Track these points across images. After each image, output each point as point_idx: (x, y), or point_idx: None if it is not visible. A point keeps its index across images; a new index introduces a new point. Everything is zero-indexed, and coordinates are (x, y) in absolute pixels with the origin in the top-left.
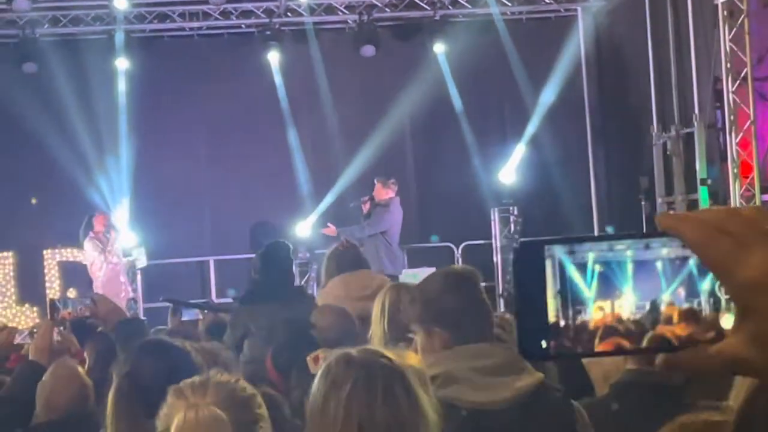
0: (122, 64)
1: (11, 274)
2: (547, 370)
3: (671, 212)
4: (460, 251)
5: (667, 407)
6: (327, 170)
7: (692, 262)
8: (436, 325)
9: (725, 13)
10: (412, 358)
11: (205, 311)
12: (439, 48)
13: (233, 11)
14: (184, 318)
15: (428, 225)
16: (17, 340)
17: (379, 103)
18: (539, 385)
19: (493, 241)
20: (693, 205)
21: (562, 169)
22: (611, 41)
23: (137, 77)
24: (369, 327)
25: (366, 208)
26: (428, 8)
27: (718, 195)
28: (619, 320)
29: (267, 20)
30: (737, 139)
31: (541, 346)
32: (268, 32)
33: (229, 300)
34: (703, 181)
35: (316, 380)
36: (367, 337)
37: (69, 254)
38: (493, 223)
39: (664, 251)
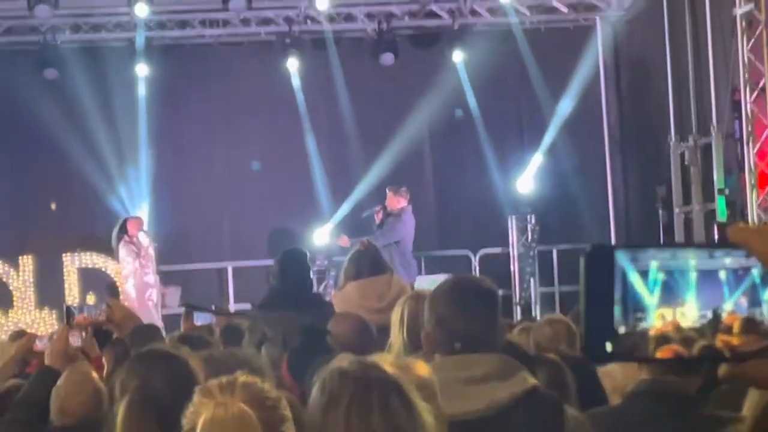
0: (142, 70)
1: (30, 279)
2: (565, 379)
3: (742, 225)
4: (477, 259)
5: (681, 417)
6: (345, 178)
7: (756, 272)
8: (434, 333)
9: (744, 23)
10: (421, 369)
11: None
12: (457, 57)
13: (253, 19)
14: (199, 322)
15: (446, 233)
16: (38, 346)
17: (398, 112)
18: (529, 392)
19: (511, 249)
20: (710, 215)
21: (579, 177)
22: (630, 51)
23: (157, 84)
24: (385, 337)
25: (379, 217)
26: (447, 17)
27: (736, 205)
28: (678, 329)
29: (287, 28)
30: (755, 150)
31: (605, 348)
32: (288, 40)
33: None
34: (721, 191)
35: (313, 395)
36: (385, 347)
37: (88, 259)
38: (510, 231)
39: (728, 261)
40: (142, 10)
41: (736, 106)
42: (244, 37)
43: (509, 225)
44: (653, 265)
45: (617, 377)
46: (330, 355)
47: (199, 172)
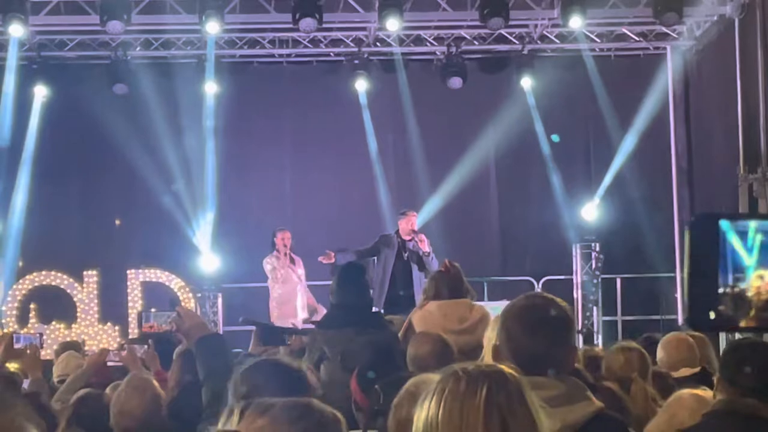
0: (211, 88)
1: (95, 292)
2: (624, 405)
3: None
4: (540, 286)
5: None
6: (411, 200)
7: None
8: (507, 355)
9: None
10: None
11: (293, 336)
12: (526, 82)
13: (323, 39)
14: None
15: (509, 259)
16: (109, 361)
17: (465, 136)
18: (596, 414)
19: (574, 276)
20: None
21: (645, 207)
22: (700, 81)
23: (226, 102)
24: (464, 359)
25: (424, 244)
26: (516, 42)
27: None
28: None
29: (356, 49)
30: None
31: (709, 317)
32: (357, 61)
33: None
34: None
35: (429, 405)
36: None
37: (152, 274)
38: (574, 258)
39: None
40: (213, 28)
41: None
42: (313, 57)
43: (573, 253)
44: (751, 225)
45: (684, 414)
46: (404, 373)
47: (265, 190)
